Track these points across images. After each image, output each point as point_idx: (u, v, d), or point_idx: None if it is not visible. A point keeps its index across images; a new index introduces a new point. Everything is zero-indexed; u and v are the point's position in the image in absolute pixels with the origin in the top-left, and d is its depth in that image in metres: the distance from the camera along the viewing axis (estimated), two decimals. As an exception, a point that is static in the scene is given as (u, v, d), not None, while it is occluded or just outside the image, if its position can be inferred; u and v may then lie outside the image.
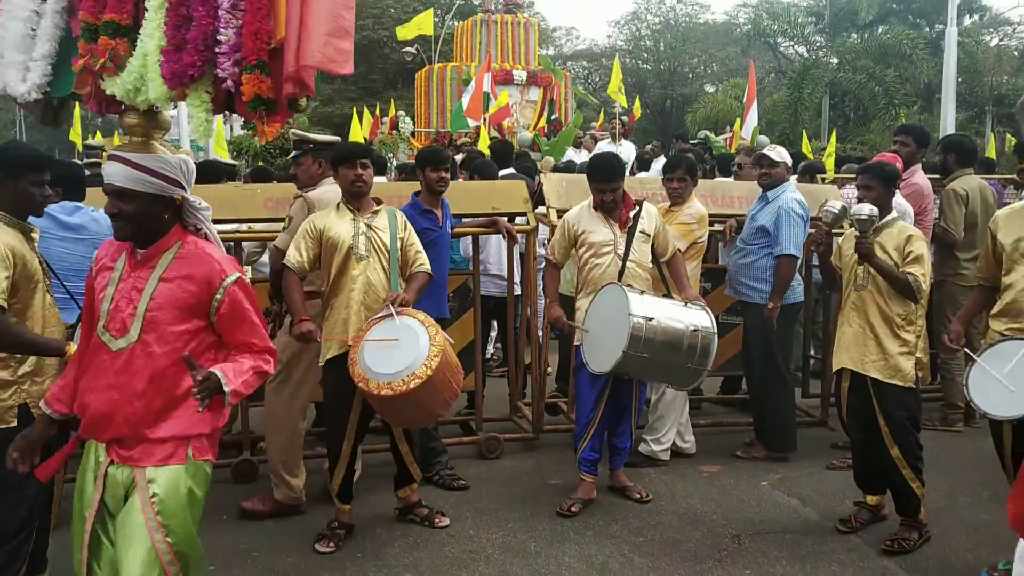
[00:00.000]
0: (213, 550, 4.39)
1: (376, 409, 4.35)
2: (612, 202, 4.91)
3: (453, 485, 5.23)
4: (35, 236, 3.62)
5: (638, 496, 5.07)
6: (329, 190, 4.77)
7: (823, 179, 8.28)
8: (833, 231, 5.05)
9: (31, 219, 3.62)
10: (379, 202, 4.61)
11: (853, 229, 4.53)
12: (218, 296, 2.79)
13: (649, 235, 4.97)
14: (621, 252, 4.90)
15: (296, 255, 4.38)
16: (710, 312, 4.79)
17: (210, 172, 6.85)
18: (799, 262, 5.79)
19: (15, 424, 3.43)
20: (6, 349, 3.47)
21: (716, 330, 4.70)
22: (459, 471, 5.37)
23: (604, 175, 4.94)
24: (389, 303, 4.25)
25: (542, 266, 6.67)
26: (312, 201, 4.70)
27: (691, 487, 5.30)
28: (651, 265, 5.00)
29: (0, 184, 3.52)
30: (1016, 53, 30.75)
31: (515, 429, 6.18)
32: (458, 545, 4.49)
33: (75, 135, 17.46)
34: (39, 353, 3.52)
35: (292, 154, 4.99)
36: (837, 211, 4.77)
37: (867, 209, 4.43)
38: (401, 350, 4.08)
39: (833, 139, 15.71)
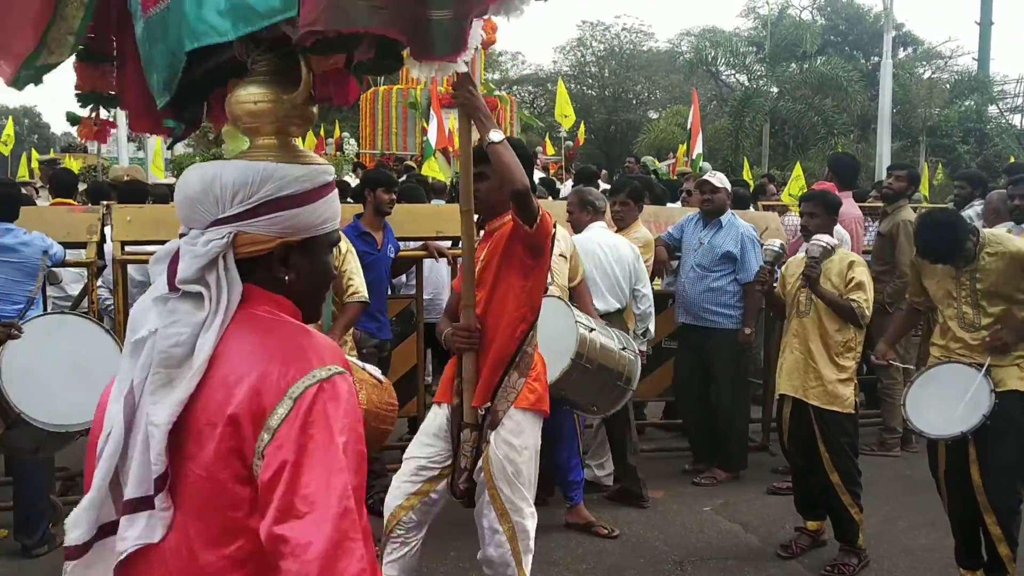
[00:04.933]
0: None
1: None
2: None
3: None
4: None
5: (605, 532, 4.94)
6: None
7: (764, 207, 8.38)
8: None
9: None
10: None
11: (800, 256, 4.59)
12: None
13: (566, 258, 4.86)
14: None
15: None
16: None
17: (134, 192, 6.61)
18: None
19: None
20: None
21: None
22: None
23: None
24: None
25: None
26: None
27: (634, 513, 5.26)
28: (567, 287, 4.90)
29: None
30: (947, 86, 31.72)
31: (457, 455, 6.08)
32: None
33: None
34: None
35: None
36: (777, 248, 4.82)
37: (824, 240, 4.49)
38: None
39: (797, 168, 15.86)
